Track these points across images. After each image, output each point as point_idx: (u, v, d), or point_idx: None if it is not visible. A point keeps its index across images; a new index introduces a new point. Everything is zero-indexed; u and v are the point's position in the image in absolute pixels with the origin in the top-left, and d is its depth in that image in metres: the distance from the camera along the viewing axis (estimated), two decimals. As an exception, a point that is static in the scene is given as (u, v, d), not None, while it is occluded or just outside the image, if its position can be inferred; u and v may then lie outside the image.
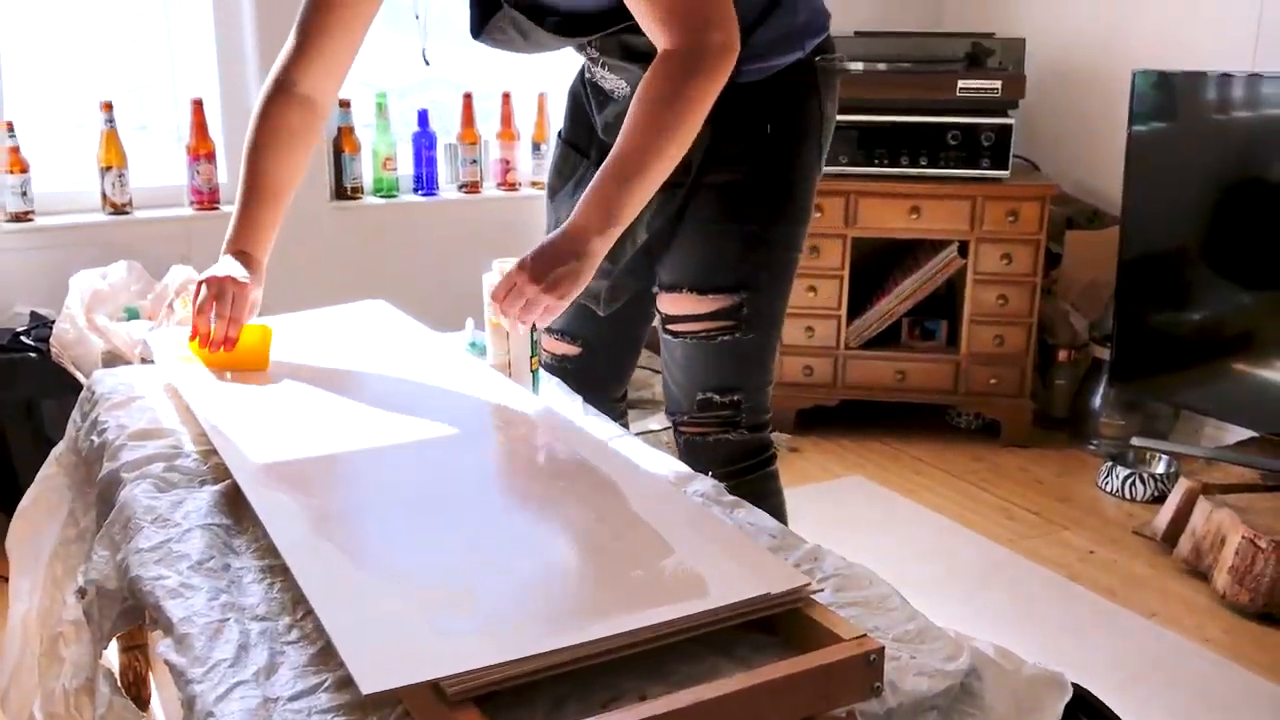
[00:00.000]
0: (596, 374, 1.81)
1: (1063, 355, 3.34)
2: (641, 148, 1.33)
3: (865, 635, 0.97)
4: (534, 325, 1.49)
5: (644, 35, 1.40)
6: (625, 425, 1.93)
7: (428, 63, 1.67)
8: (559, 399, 1.63)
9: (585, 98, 1.72)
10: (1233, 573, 2.34)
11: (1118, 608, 2.36)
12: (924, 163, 3.11)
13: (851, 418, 3.33)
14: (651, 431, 2.96)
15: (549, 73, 3.31)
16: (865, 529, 2.71)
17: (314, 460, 1.29)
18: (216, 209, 2.94)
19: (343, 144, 3.10)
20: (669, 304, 1.63)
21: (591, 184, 1.37)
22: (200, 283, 1.55)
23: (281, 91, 1.61)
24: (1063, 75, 3.43)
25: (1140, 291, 2.90)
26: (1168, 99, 2.81)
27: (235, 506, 1.24)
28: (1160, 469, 2.97)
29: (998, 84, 3.06)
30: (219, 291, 1.52)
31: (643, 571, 1.02)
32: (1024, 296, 3.13)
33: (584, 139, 1.73)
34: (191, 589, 1.08)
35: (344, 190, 3.13)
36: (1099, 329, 3.34)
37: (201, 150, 2.90)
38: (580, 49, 1.57)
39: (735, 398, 1.64)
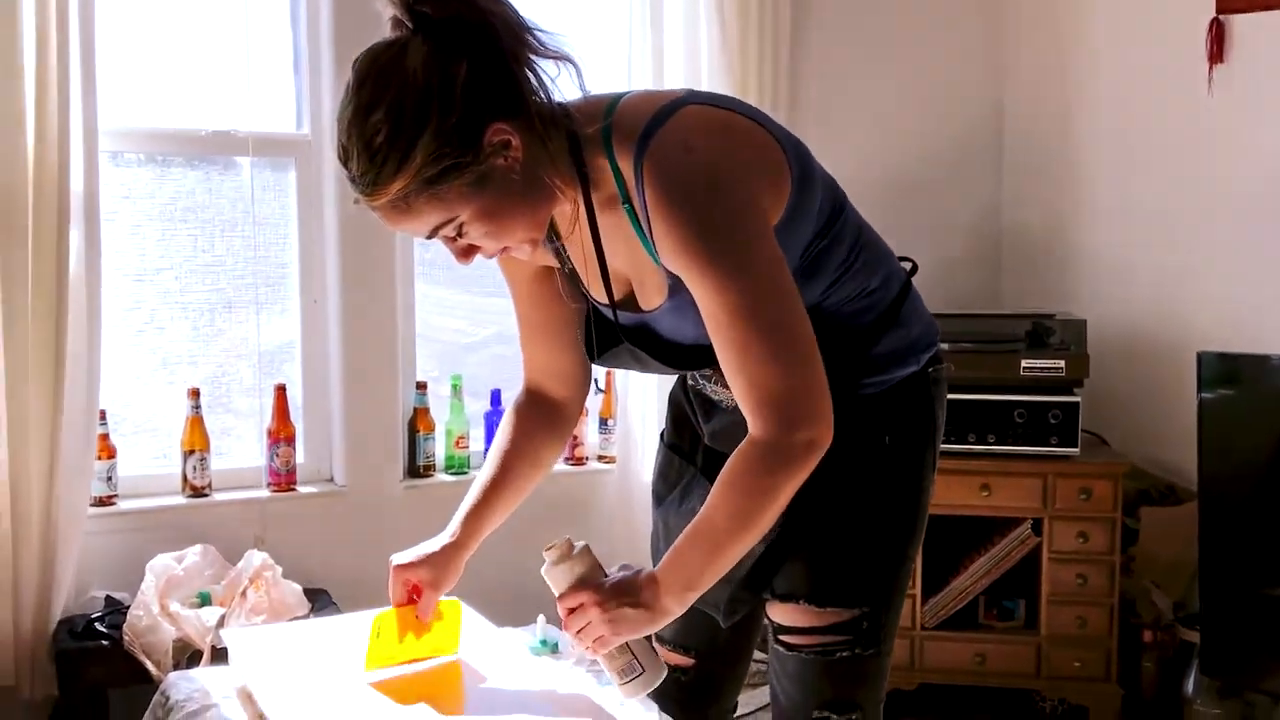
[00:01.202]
0: (710, 685, 1.74)
1: (1148, 636, 3.21)
2: (721, 529, 1.38)
3: None
4: None
5: None
6: None
7: (600, 389, 1.75)
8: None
9: (689, 404, 1.71)
10: None
11: None
12: (991, 440, 3.11)
13: (930, 703, 3.20)
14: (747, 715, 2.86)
15: (617, 353, 3.41)
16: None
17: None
18: (294, 490, 3.00)
19: (417, 424, 3.18)
20: (783, 614, 1.57)
21: (676, 545, 1.42)
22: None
23: (528, 394, 1.71)
24: (1126, 353, 3.47)
25: (1226, 569, 2.81)
26: (1235, 376, 2.81)
27: (310, 840, 1.21)
28: (1265, 764, 2.79)
29: (1061, 363, 3.09)
30: (392, 584, 1.62)
31: None
32: (1103, 575, 3.05)
33: (688, 444, 1.72)
34: None
35: (417, 469, 3.19)
36: (1185, 608, 3.22)
37: (282, 434, 2.98)
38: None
39: (853, 717, 1.55)
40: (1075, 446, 3.07)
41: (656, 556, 1.73)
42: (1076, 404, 3.07)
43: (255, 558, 2.63)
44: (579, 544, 1.51)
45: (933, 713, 3.19)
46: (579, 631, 1.45)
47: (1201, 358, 2.82)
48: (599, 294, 1.51)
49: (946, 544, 3.25)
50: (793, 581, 1.55)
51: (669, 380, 1.87)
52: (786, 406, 1.34)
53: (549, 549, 1.50)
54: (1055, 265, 3.75)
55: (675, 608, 1.42)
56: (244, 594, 2.52)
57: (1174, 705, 3.12)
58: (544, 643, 1.80)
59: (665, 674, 1.51)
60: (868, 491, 1.54)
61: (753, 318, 1.32)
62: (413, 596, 1.61)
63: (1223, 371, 2.81)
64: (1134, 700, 3.18)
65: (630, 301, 1.51)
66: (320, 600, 2.76)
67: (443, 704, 1.52)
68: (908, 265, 1.65)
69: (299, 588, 2.65)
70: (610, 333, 1.54)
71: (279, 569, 2.63)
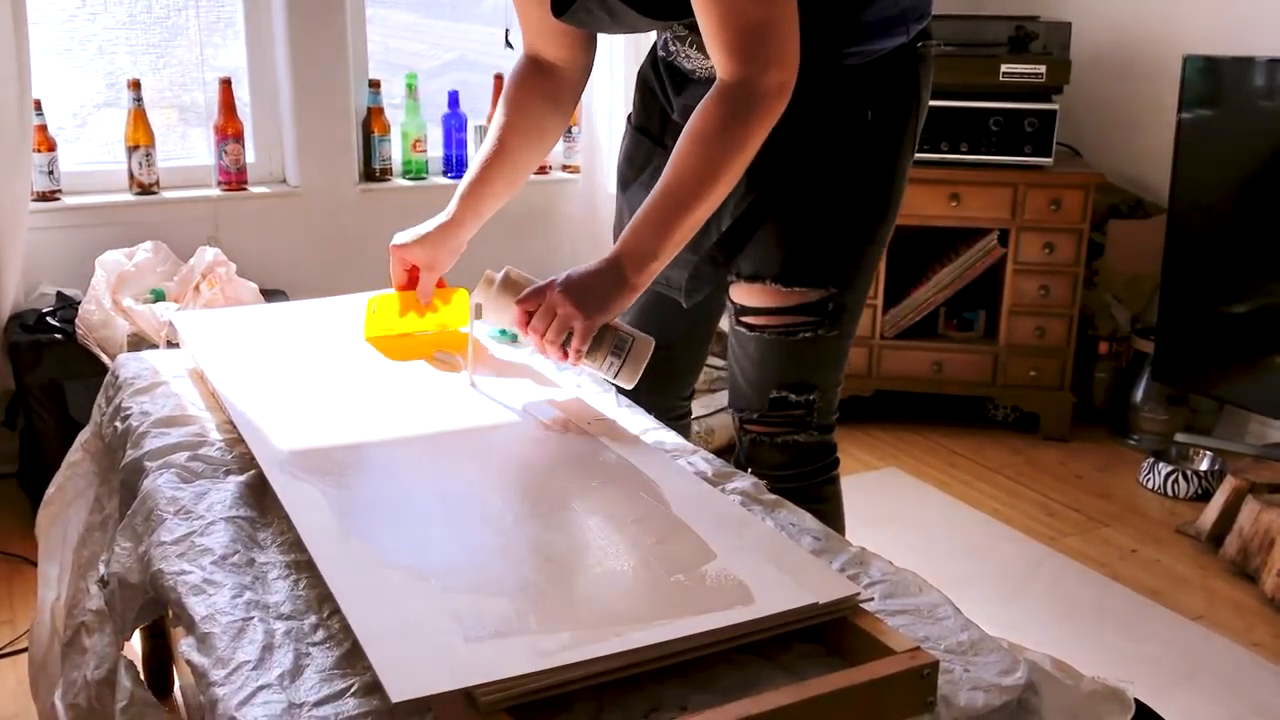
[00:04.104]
0: (670, 369, 1.70)
1: (1104, 348, 3.27)
2: (687, 185, 1.30)
3: (918, 648, 0.92)
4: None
5: None
6: (687, 425, 1.84)
7: (510, 45, 1.59)
8: (590, 396, 1.59)
9: (658, 80, 1.60)
10: (1281, 574, 2.27)
11: (1163, 609, 2.30)
12: (964, 149, 3.04)
13: (886, 409, 3.27)
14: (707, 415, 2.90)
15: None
16: (901, 523, 2.65)
17: (342, 449, 1.25)
18: (245, 189, 2.91)
19: (372, 125, 3.06)
20: (747, 295, 1.53)
21: (637, 215, 1.33)
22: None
23: (526, 62, 1.58)
24: (1108, 61, 3.35)
25: (1186, 283, 2.83)
26: (1217, 85, 2.72)
27: (260, 498, 1.21)
28: (1204, 466, 2.89)
29: (1042, 69, 2.98)
30: (392, 266, 1.61)
31: (684, 577, 0.97)
32: (1065, 287, 3.06)
33: (657, 125, 1.62)
34: (214, 585, 1.04)
35: (373, 172, 3.09)
36: (1142, 321, 3.26)
37: (229, 130, 2.86)
38: (667, 27, 1.48)
39: (810, 397, 1.54)
40: (1049, 156, 3.01)
41: None
42: (1054, 112, 2.98)
43: (208, 253, 2.57)
44: (499, 273, 1.43)
45: (888, 418, 3.26)
46: (546, 333, 1.32)
47: (1187, 61, 2.72)
48: None
49: (911, 255, 3.23)
50: (759, 262, 1.50)
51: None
52: (761, 44, 1.25)
53: (493, 271, 1.42)
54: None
55: (640, 280, 1.33)
56: (197, 289, 2.47)
57: (1122, 413, 3.21)
58: (502, 332, 1.77)
59: (654, 342, 1.40)
60: (844, 168, 1.46)
61: None
62: (414, 280, 1.59)
63: (1206, 78, 2.72)
64: (1084, 408, 3.26)
65: None
66: (277, 300, 2.72)
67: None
68: None
69: (254, 286, 2.61)
70: None
71: (233, 266, 2.58)
